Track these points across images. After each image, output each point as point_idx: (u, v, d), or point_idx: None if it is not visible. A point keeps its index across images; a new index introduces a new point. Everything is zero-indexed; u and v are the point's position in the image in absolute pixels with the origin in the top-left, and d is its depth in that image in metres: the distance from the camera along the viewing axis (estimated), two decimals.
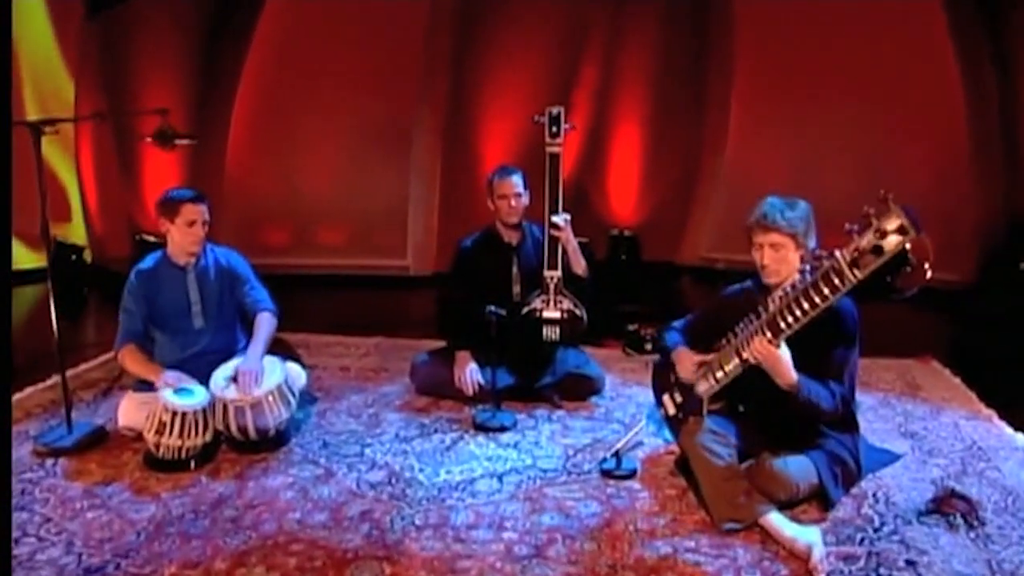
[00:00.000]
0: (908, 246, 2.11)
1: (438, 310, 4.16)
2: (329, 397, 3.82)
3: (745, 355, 2.57)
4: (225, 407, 3.05)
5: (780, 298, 2.47)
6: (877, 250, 2.14)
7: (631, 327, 4.66)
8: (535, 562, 2.36)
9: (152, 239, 6.66)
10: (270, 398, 3.09)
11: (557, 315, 3.65)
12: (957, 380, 4.04)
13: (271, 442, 3.17)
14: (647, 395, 3.72)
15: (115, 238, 7.17)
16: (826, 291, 2.30)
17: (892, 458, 3.03)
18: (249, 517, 2.64)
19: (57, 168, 6.92)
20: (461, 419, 3.52)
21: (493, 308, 3.39)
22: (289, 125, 6.83)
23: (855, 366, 2.68)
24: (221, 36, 6.71)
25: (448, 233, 6.87)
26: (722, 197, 6.92)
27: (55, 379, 3.92)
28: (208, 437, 3.04)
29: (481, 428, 3.39)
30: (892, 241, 2.11)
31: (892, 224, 2.11)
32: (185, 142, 3.18)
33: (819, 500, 2.65)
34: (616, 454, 2.96)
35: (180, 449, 2.97)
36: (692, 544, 2.46)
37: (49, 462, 3.05)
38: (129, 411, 3.20)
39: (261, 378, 3.11)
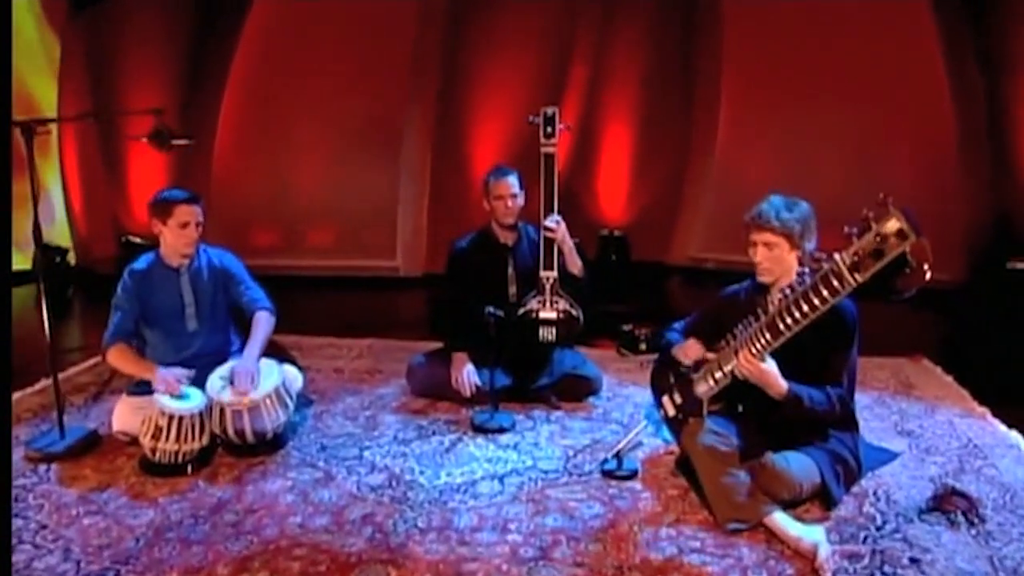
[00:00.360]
0: (908, 249, 2.12)
1: (433, 311, 4.15)
2: (324, 399, 3.79)
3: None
4: (222, 410, 3.01)
5: (779, 300, 2.48)
6: (877, 254, 2.15)
7: (625, 327, 4.65)
8: (541, 564, 2.35)
9: (138, 240, 6.61)
10: (268, 401, 3.05)
11: (553, 316, 3.64)
12: (949, 378, 4.08)
13: (268, 445, 3.13)
14: (644, 395, 3.74)
15: (100, 240, 7.08)
16: (825, 294, 2.30)
17: (890, 456, 3.05)
18: (250, 522, 2.61)
19: (39, 168, 6.81)
20: (459, 421, 3.51)
21: (492, 309, 3.38)
22: (277, 125, 6.78)
23: (854, 367, 2.69)
24: (208, 35, 6.64)
25: (438, 233, 6.86)
26: (711, 197, 6.95)
27: (43, 383, 3.90)
28: (205, 441, 3.00)
29: (480, 430, 3.37)
30: (892, 244, 2.12)
31: (892, 227, 2.11)
32: (182, 142, 3.13)
33: (821, 499, 2.66)
34: (617, 455, 2.96)
35: (177, 453, 2.93)
36: (697, 544, 2.46)
37: (42, 468, 3.01)
38: (124, 415, 3.16)
39: (258, 378, 3.08)
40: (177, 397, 2.98)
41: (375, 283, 6.93)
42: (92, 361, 4.34)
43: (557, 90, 6.71)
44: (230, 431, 3.03)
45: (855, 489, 2.77)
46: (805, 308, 2.34)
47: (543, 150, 3.58)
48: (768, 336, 2.46)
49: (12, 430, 3.35)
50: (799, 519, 2.53)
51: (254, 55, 6.57)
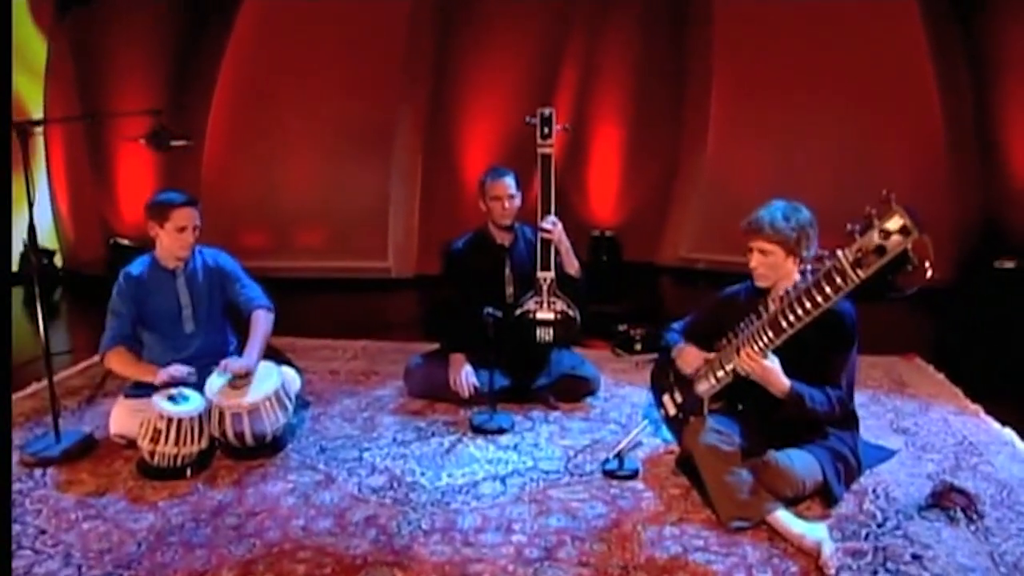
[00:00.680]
0: (910, 246, 2.14)
1: (429, 312, 4.14)
2: (321, 401, 3.77)
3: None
4: (222, 413, 2.99)
5: (782, 298, 2.49)
6: (880, 250, 2.17)
7: (620, 327, 4.66)
8: (547, 564, 2.36)
9: (127, 243, 6.55)
10: (267, 403, 3.04)
11: (551, 316, 3.64)
12: (941, 376, 4.12)
13: (267, 448, 3.12)
14: (641, 395, 3.76)
15: (87, 242, 7.01)
16: (828, 291, 2.32)
17: (888, 454, 3.07)
18: (252, 525, 2.59)
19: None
20: (457, 422, 3.50)
21: (491, 310, 3.37)
22: (267, 126, 6.74)
23: (854, 368, 2.72)
24: (198, 35, 6.58)
25: (429, 234, 6.84)
26: (702, 197, 6.97)
27: (35, 387, 3.86)
28: (204, 444, 2.98)
29: (479, 430, 3.37)
30: (895, 241, 2.14)
31: (895, 224, 2.14)
32: (181, 144, 3.10)
33: (822, 497, 2.68)
34: (618, 455, 2.97)
35: (176, 457, 2.91)
36: (701, 543, 2.47)
37: (38, 472, 2.97)
38: (121, 418, 3.13)
39: (254, 372, 3.06)
40: (176, 400, 2.96)
41: (366, 284, 6.90)
42: (84, 364, 4.30)
43: (548, 91, 6.71)
44: (229, 434, 3.01)
45: (854, 487, 2.79)
46: (808, 305, 2.36)
47: (540, 151, 3.58)
48: (770, 333, 2.48)
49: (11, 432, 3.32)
50: (800, 517, 2.55)
51: (244, 55, 6.52)
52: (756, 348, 2.53)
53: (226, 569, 2.33)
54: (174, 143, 3.10)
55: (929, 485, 2.79)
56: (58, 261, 7.08)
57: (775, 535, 2.48)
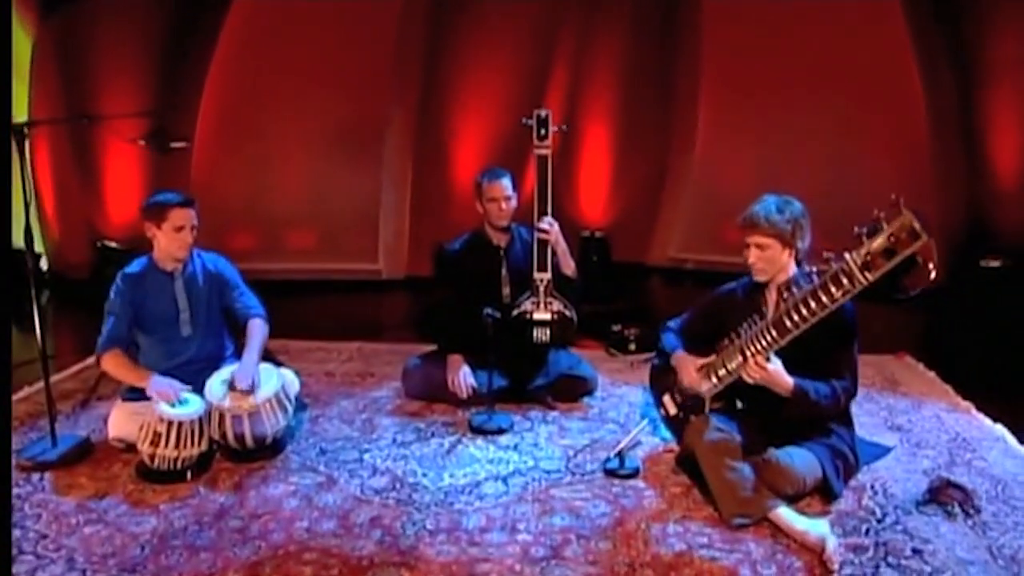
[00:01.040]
0: (918, 249, 2.17)
1: (425, 314, 4.13)
2: (319, 403, 3.76)
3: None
4: (222, 416, 2.98)
5: (787, 298, 2.52)
6: (889, 253, 2.21)
7: (615, 327, 4.68)
8: (553, 563, 2.37)
9: (115, 245, 6.48)
10: (268, 406, 3.03)
11: (548, 317, 3.66)
12: (932, 375, 4.17)
13: (268, 450, 3.11)
14: (637, 395, 3.78)
15: (74, 245, 6.92)
16: (835, 292, 2.36)
17: (884, 451, 3.11)
18: (255, 527, 2.59)
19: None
20: (456, 422, 3.50)
21: (490, 310, 3.38)
22: (257, 127, 6.68)
23: (856, 360, 2.75)
24: (187, 36, 6.52)
25: (420, 236, 6.82)
26: (691, 197, 7.00)
27: (27, 391, 3.82)
28: (204, 447, 2.97)
29: (478, 431, 3.38)
30: (904, 244, 2.18)
31: (905, 227, 2.17)
32: (180, 145, 3.09)
33: (821, 493, 2.71)
34: (619, 454, 2.98)
35: (176, 460, 2.89)
36: (705, 540, 2.49)
37: (35, 477, 2.94)
38: (120, 421, 3.10)
39: (258, 380, 3.06)
40: (176, 403, 2.94)
41: (357, 286, 6.88)
42: (77, 367, 4.26)
43: (538, 92, 6.72)
44: (230, 436, 2.99)
45: (853, 483, 2.83)
46: (813, 306, 2.39)
47: (537, 152, 3.61)
48: (774, 333, 2.50)
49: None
50: (801, 513, 2.57)
51: (233, 56, 6.46)
52: (760, 348, 2.56)
53: (232, 571, 2.33)
54: (174, 144, 3.08)
55: (925, 481, 2.83)
56: (43, 264, 6.99)
57: (777, 531, 2.51)
